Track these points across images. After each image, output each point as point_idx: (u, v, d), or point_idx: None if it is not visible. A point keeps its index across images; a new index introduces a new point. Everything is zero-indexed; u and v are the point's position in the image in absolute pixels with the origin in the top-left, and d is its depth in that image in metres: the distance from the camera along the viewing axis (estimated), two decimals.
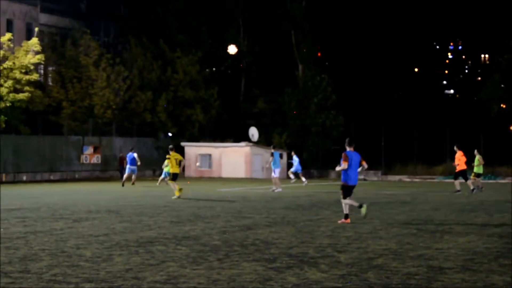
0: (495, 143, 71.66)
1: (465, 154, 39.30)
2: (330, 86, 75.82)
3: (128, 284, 10.40)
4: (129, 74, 67.45)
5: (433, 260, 12.97)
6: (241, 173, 65.13)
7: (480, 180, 42.99)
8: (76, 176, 59.94)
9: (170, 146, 35.07)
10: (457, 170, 39.39)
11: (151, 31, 76.50)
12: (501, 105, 72.42)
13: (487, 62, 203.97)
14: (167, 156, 34.49)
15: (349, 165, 20.62)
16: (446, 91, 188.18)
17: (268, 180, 53.37)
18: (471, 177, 41.96)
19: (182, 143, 68.35)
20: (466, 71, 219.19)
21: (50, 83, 66.34)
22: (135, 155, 47.21)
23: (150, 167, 68.34)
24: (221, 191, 39.95)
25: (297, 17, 77.27)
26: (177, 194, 31.95)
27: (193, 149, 67.41)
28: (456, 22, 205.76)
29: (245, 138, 67.95)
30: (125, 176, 47.58)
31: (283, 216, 22.50)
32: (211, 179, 61.77)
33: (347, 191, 20.79)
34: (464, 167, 38.85)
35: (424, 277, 11.10)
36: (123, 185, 45.73)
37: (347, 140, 21.71)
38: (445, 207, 26.85)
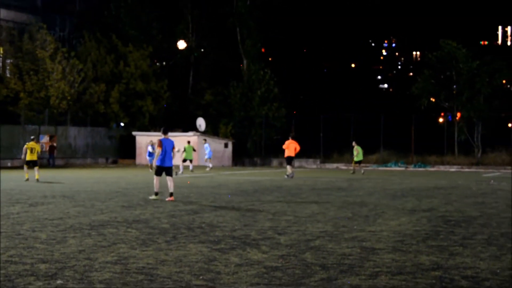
0: (425, 134, 72.48)
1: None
2: (273, 80, 76.03)
3: (81, 264, 10.34)
4: (83, 67, 66.91)
5: (366, 241, 13.09)
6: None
7: (362, 166, 51.07)
8: (51, 162, 59.42)
9: (32, 137, 36.76)
10: (285, 156, 42.47)
11: (104, 27, 75.94)
12: (431, 99, 73.02)
13: (418, 58, 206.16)
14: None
15: (164, 150, 23.12)
16: (381, 86, 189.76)
17: (215, 168, 53.45)
18: (353, 165, 50.17)
19: (134, 133, 68.10)
20: (399, 67, 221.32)
21: (8, 75, 65.53)
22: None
23: (103, 155, 68.01)
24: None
25: (242, 15, 77.31)
26: (26, 176, 34.72)
27: (144, 138, 67.07)
28: (390, 21, 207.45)
29: (193, 128, 67.86)
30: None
31: (228, 201, 22.52)
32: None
33: (159, 170, 23.38)
34: (292, 154, 41.64)
35: (357, 257, 11.20)
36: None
37: (162, 129, 24.17)
38: (378, 193, 27.10)
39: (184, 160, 48.37)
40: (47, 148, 60.34)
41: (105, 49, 72.74)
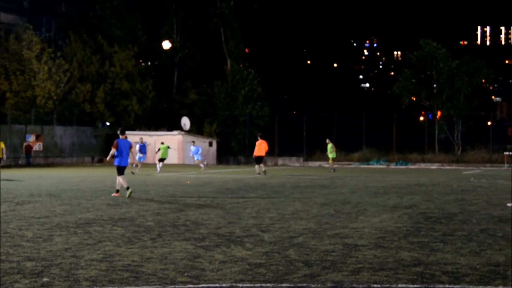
0: (406, 133, 72.72)
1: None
2: (256, 80, 76.10)
3: (67, 262, 10.30)
4: (69, 67, 66.70)
5: (349, 238, 13.11)
6: (173, 159, 64.91)
7: (334, 163, 50.90)
8: (19, 162, 59.02)
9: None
10: (254, 155, 42.48)
11: (90, 27, 75.78)
12: (412, 98, 73.26)
13: (399, 58, 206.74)
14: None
15: (120, 151, 23.92)
16: (362, 85, 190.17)
17: (198, 167, 53.29)
18: (330, 161, 50.39)
19: (119, 132, 67.90)
20: (380, 66, 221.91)
21: None
22: (146, 143, 49.02)
23: (89, 154, 67.85)
24: (155, 176, 39.78)
25: (226, 16, 77.30)
26: None
27: (129, 137, 66.91)
28: (371, 22, 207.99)
29: (178, 127, 67.80)
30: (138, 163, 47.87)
31: (212, 199, 22.50)
32: (146, 165, 61.40)
33: (120, 170, 23.88)
34: (261, 153, 41.99)
35: (340, 253, 11.21)
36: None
37: (119, 130, 25.26)
38: (360, 190, 27.15)
39: (161, 160, 48.18)
40: (24, 148, 59.91)
41: (90, 50, 72.57)
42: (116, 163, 24.03)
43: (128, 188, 23.56)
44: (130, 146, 24.37)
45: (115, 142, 24.03)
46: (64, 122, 67.96)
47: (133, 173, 41.35)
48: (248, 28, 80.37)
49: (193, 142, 53.34)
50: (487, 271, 9.80)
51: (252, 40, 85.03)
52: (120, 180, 23.93)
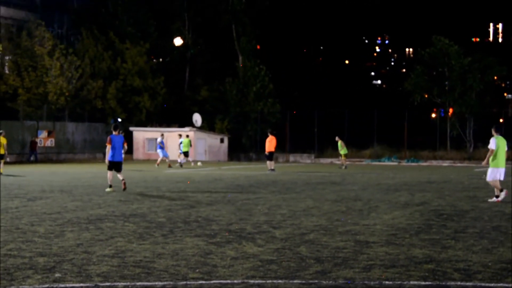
0: (418, 130, 72.54)
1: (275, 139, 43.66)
2: (268, 76, 76.04)
3: (78, 257, 10.34)
4: (81, 64, 66.77)
5: (360, 235, 13.11)
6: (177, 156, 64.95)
7: (346, 160, 51.48)
8: (31, 158, 59.14)
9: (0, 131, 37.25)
10: (267, 152, 42.82)
11: (102, 24, 75.83)
12: (424, 95, 73.09)
13: (411, 55, 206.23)
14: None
15: (113, 146, 24.35)
16: (374, 82, 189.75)
17: (210, 163, 53.40)
18: (342, 158, 50.89)
19: (131, 128, 68.04)
20: (392, 63, 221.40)
21: (7, 72, 65.45)
22: (160, 139, 49.37)
23: (101, 150, 67.99)
24: (167, 172, 39.82)
25: (237, 12, 77.25)
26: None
27: (140, 134, 67.12)
28: (383, 19, 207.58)
29: (189, 123, 67.81)
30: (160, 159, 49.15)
31: (223, 195, 22.52)
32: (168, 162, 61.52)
33: (111, 165, 24.48)
34: (272, 149, 42.29)
35: (351, 250, 11.21)
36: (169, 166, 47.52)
37: (112, 126, 25.94)
38: (372, 187, 27.12)
39: (185, 153, 49.40)
40: (30, 144, 60.03)
41: (102, 46, 72.65)
42: (109, 159, 24.53)
43: (110, 186, 24.11)
44: (123, 142, 24.88)
45: (108, 138, 24.61)
46: (76, 118, 68.11)
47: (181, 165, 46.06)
48: (259, 24, 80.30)
49: (180, 135, 53.04)
50: (499, 268, 9.78)
51: (263, 36, 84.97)
52: (109, 175, 24.56)
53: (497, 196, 21.07)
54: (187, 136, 52.60)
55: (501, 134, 21.76)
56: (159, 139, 49.40)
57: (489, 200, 21.04)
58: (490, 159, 21.41)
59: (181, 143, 49.75)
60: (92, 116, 69.22)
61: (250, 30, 77.83)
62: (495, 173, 21.23)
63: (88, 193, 23.03)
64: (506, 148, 21.61)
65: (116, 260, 10.17)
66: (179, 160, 50.70)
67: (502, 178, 21.37)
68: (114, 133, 24.74)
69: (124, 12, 76.60)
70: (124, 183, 24.16)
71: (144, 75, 72.73)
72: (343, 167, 49.36)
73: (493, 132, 21.66)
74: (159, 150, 48.91)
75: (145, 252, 10.90)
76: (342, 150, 50.44)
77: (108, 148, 24.46)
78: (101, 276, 9.00)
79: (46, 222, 14.83)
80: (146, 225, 14.34)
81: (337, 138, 50.97)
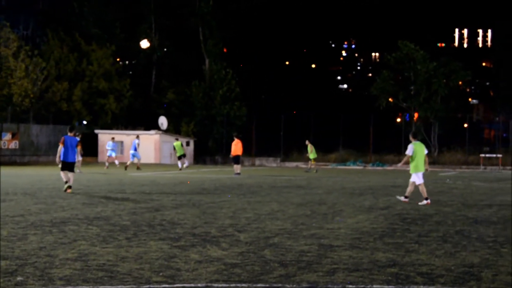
0: (383, 134, 72.97)
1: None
2: (234, 79, 76.10)
3: (41, 261, 10.25)
4: (46, 65, 66.37)
5: (324, 238, 13.14)
6: (151, 159, 64.82)
7: (315, 163, 51.72)
8: None
9: None
10: (233, 155, 43.22)
11: (68, 25, 75.47)
12: (389, 99, 73.56)
13: (377, 60, 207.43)
14: None
15: (66, 146, 24.93)
16: (340, 86, 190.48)
17: (176, 166, 53.23)
18: (311, 161, 51.24)
19: (96, 131, 67.72)
20: (358, 68, 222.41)
21: None
22: (137, 142, 48.96)
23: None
24: (132, 175, 39.66)
25: (204, 15, 77.21)
26: None
27: (106, 136, 66.75)
28: (350, 23, 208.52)
29: (155, 126, 67.67)
30: (130, 162, 49.23)
31: (188, 198, 22.47)
32: (123, 164, 61.29)
33: (63, 165, 25.01)
34: (238, 153, 42.70)
35: (315, 254, 11.23)
36: (125, 168, 47.69)
37: (68, 127, 26.31)
38: (337, 191, 27.22)
39: (179, 157, 49.84)
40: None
41: (68, 48, 72.31)
42: (61, 159, 25.02)
43: (66, 182, 24.76)
44: (77, 144, 25.50)
45: (62, 138, 25.22)
46: (41, 120, 67.67)
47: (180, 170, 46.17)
48: (226, 27, 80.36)
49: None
50: (462, 272, 9.85)
51: (230, 40, 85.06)
52: (62, 175, 25.04)
53: (406, 197, 22.17)
54: (177, 139, 52.78)
55: (418, 140, 22.61)
56: (137, 141, 48.94)
57: (420, 203, 21.48)
58: (411, 164, 22.17)
59: (136, 146, 48.64)
60: (57, 118, 68.80)
61: (217, 33, 77.82)
62: (420, 177, 22.05)
63: (52, 196, 22.86)
64: (425, 152, 22.34)
65: (79, 263, 10.11)
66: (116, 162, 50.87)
67: (421, 181, 22.09)
68: (69, 134, 25.40)
69: (90, 14, 76.33)
70: (66, 186, 24.66)
71: (110, 77, 72.47)
72: (314, 170, 49.66)
73: (411, 138, 22.53)
74: (133, 152, 48.47)
75: (109, 255, 10.84)
76: (311, 154, 50.69)
77: (60, 147, 24.98)
78: (64, 280, 8.93)
79: (8, 225, 14.69)
80: (110, 228, 14.26)
81: (307, 142, 51.24)
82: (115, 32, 77.79)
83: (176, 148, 50.35)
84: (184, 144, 67.52)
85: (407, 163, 22.43)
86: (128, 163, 48.77)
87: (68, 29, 74.30)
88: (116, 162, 51.97)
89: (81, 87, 69.83)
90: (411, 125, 71.01)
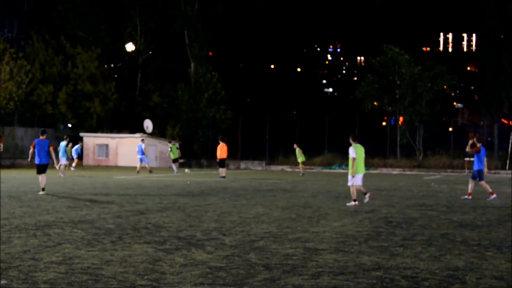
0: (368, 137, 73.07)
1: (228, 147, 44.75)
2: (220, 83, 76.11)
3: (25, 264, 10.21)
4: (31, 68, 66.22)
5: (310, 242, 13.14)
6: (136, 162, 64.66)
7: (303, 167, 52.32)
8: None
9: None
10: (218, 159, 43.43)
11: (53, 28, 75.31)
12: (374, 103, 73.77)
13: (363, 63, 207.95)
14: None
15: (38, 150, 25.67)
16: (326, 90, 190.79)
17: (163, 169, 53.18)
18: (300, 165, 51.63)
19: (81, 134, 67.57)
20: (344, 71, 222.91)
21: None
22: (143, 145, 48.89)
23: (50, 156, 67.38)
24: (117, 178, 39.57)
25: (190, 18, 77.18)
26: None
27: (91, 139, 66.68)
28: (335, 27, 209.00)
29: (140, 129, 67.55)
30: (140, 165, 49.03)
31: (174, 202, 22.44)
32: (108, 167, 61.20)
33: (38, 168, 25.95)
34: (224, 156, 43.06)
35: (300, 257, 11.23)
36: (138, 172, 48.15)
37: (40, 131, 26.74)
38: (322, 195, 27.25)
39: (174, 160, 50.69)
40: None
41: (53, 50, 72.15)
42: (36, 162, 25.96)
43: (43, 189, 25.38)
44: (48, 146, 25.88)
45: (33, 142, 25.93)
46: (26, 123, 67.45)
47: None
48: (212, 31, 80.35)
49: (143, 140, 52.60)
50: (446, 275, 9.88)
51: (216, 43, 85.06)
52: (40, 178, 25.73)
53: (355, 200, 22.32)
54: (170, 141, 52.97)
55: (358, 142, 22.81)
56: (142, 145, 48.89)
57: (348, 204, 22.10)
58: (349, 166, 22.49)
59: (142, 149, 48.59)
60: (42, 121, 68.59)
61: (203, 36, 77.81)
62: (358, 178, 22.54)
63: (37, 199, 22.78)
64: (363, 155, 22.71)
65: (63, 267, 10.07)
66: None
67: (360, 183, 22.63)
68: (40, 137, 25.98)
69: (76, 17, 76.15)
70: (44, 188, 25.41)
71: (95, 80, 72.35)
72: (301, 174, 49.83)
73: (351, 141, 22.79)
74: (141, 156, 48.50)
75: (93, 259, 10.80)
76: (300, 157, 50.92)
77: (32, 151, 26.05)
78: (48, 283, 8.90)
79: None
80: (94, 232, 14.22)
81: (295, 146, 51.46)
82: (101, 35, 77.68)
83: (172, 150, 50.39)
84: (156, 146, 67.52)
85: (353, 166, 22.44)
86: (138, 167, 48.61)
87: (53, 32, 74.15)
88: (73, 165, 52.05)
89: (66, 90, 69.68)
90: (396, 129, 71.23)
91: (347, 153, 23.20)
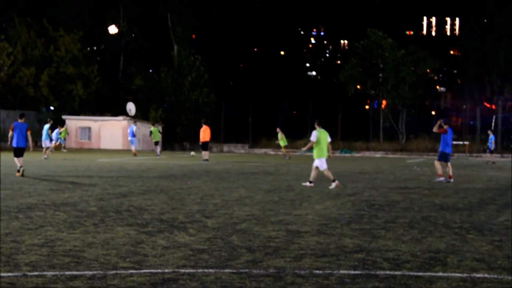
0: (351, 121, 73.26)
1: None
2: (203, 66, 75.92)
3: (7, 247, 10.18)
4: (13, 50, 65.81)
5: (292, 225, 13.17)
6: (118, 145, 64.58)
7: (286, 151, 51.93)
8: None
9: None
10: (201, 142, 43.27)
11: (35, 10, 74.84)
12: (358, 87, 73.89)
13: (346, 47, 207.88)
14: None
15: (16, 133, 25.87)
16: (309, 73, 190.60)
17: (146, 152, 53.04)
18: (282, 149, 51.81)
19: (64, 116, 67.29)
20: (327, 55, 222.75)
21: None
22: (135, 128, 49.16)
23: (33, 138, 67.05)
24: (99, 161, 39.46)
25: (173, 1, 76.88)
26: None
27: (73, 122, 66.44)
28: (318, 10, 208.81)
29: (123, 112, 67.34)
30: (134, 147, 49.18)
31: (156, 184, 22.42)
32: (91, 150, 61.02)
33: (15, 151, 26.00)
34: (206, 139, 42.80)
35: (282, 240, 11.25)
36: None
37: (19, 114, 27.47)
38: (305, 178, 27.26)
39: (156, 143, 50.24)
40: None
41: (35, 33, 71.71)
42: (14, 145, 26.07)
43: (18, 171, 25.37)
44: (26, 129, 26.09)
45: (12, 125, 26.27)
46: (7, 105, 67.10)
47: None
48: (195, 14, 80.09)
49: (135, 122, 52.73)
50: (428, 257, 9.93)
51: (199, 26, 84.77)
52: (16, 161, 25.81)
53: (311, 182, 22.85)
54: (153, 124, 52.84)
55: (323, 127, 23.16)
56: (134, 127, 49.05)
57: (330, 187, 22.15)
58: (315, 150, 22.79)
59: (133, 132, 48.88)
60: (24, 104, 68.29)
61: (186, 19, 77.56)
62: (323, 162, 22.78)
63: (19, 181, 22.70)
64: (328, 140, 23.00)
65: (45, 249, 10.04)
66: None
67: (325, 167, 22.87)
68: (19, 120, 26.27)
69: None
70: (22, 171, 25.30)
71: (77, 63, 72.01)
72: (287, 157, 49.78)
73: (316, 126, 23.23)
74: (132, 138, 48.69)
75: (75, 241, 10.78)
76: (282, 141, 50.86)
77: (10, 134, 26.02)
78: (30, 266, 8.88)
79: None
80: (77, 214, 14.19)
81: (278, 130, 51.41)
82: (83, 17, 77.28)
83: (153, 133, 50.27)
84: (143, 129, 67.38)
85: (311, 148, 23.04)
86: (133, 149, 48.69)
87: (35, 14, 73.70)
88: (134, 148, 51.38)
89: (48, 73, 69.33)
90: (379, 112, 71.40)
91: (330, 136, 23.27)
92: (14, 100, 67.67)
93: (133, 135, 48.56)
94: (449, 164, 26.38)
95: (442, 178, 25.94)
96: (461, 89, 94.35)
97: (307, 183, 22.74)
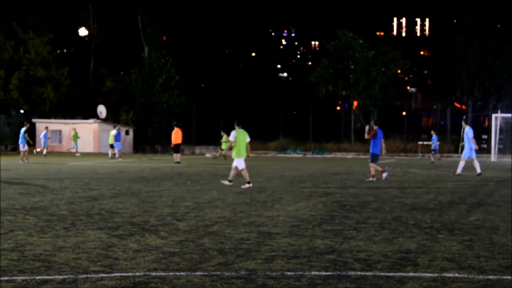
0: (323, 122, 73.47)
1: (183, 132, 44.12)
2: (174, 68, 75.81)
3: None
4: None
5: (264, 226, 13.17)
6: (89, 148, 64.29)
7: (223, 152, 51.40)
8: None
9: None
10: (173, 144, 43.06)
11: (4, 13, 74.34)
12: (329, 88, 74.09)
13: (317, 48, 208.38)
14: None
15: None
16: (280, 74, 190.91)
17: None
18: (220, 150, 52.87)
19: (34, 120, 66.88)
20: (298, 56, 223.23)
21: None
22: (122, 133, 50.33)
23: (2, 142, 66.63)
24: (70, 164, 39.27)
25: (143, 3, 76.73)
26: None
27: (44, 125, 66.05)
28: (289, 12, 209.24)
29: (94, 115, 67.09)
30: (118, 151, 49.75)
31: (127, 187, 22.34)
32: (61, 154, 60.69)
33: None
34: (178, 142, 42.55)
35: (254, 242, 11.26)
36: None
37: None
38: (276, 179, 27.33)
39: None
40: None
41: (4, 35, 71.24)
42: None
43: None
44: None
45: None
46: None
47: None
48: (165, 15, 79.96)
49: (115, 127, 53.01)
50: (399, 258, 9.97)
51: (169, 28, 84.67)
52: None
53: (230, 181, 23.36)
54: (114, 127, 52.88)
55: (242, 128, 23.79)
56: (114, 132, 49.59)
57: (243, 186, 22.69)
58: (234, 150, 23.29)
59: (117, 136, 49.79)
60: None
61: (156, 21, 77.44)
62: (242, 162, 23.18)
63: None
64: (247, 140, 23.47)
65: (15, 253, 9.98)
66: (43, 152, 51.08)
67: (244, 166, 23.21)
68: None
69: (27, 2, 75.29)
70: None
71: (47, 65, 71.64)
72: (217, 155, 50.62)
73: (235, 126, 23.90)
74: (117, 143, 49.27)
75: (46, 245, 10.72)
76: (224, 144, 51.51)
77: None
78: (0, 270, 8.81)
79: None
80: (47, 218, 14.10)
81: (222, 133, 52.12)
82: (53, 20, 76.88)
83: (110, 137, 50.91)
84: (123, 133, 67.26)
85: (231, 148, 23.41)
86: (118, 154, 49.36)
87: (4, 16, 73.22)
88: (117, 153, 51.50)
89: (18, 76, 68.92)
90: (351, 113, 71.63)
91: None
92: None
93: (118, 140, 49.32)
94: (374, 164, 27.03)
95: (373, 179, 26.67)
96: (431, 89, 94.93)
97: (226, 182, 23.31)
